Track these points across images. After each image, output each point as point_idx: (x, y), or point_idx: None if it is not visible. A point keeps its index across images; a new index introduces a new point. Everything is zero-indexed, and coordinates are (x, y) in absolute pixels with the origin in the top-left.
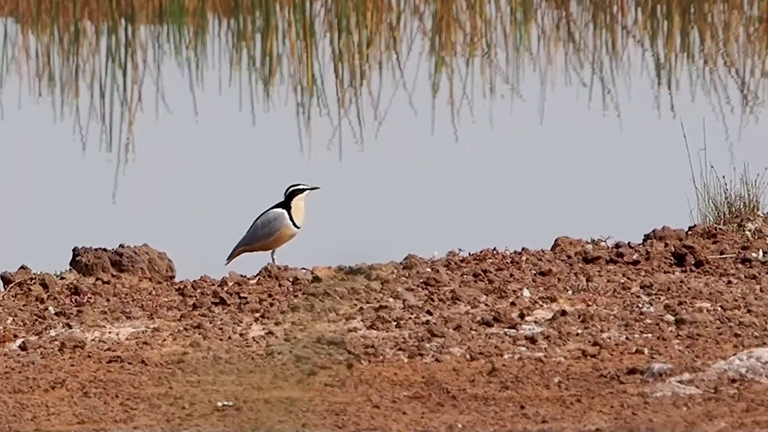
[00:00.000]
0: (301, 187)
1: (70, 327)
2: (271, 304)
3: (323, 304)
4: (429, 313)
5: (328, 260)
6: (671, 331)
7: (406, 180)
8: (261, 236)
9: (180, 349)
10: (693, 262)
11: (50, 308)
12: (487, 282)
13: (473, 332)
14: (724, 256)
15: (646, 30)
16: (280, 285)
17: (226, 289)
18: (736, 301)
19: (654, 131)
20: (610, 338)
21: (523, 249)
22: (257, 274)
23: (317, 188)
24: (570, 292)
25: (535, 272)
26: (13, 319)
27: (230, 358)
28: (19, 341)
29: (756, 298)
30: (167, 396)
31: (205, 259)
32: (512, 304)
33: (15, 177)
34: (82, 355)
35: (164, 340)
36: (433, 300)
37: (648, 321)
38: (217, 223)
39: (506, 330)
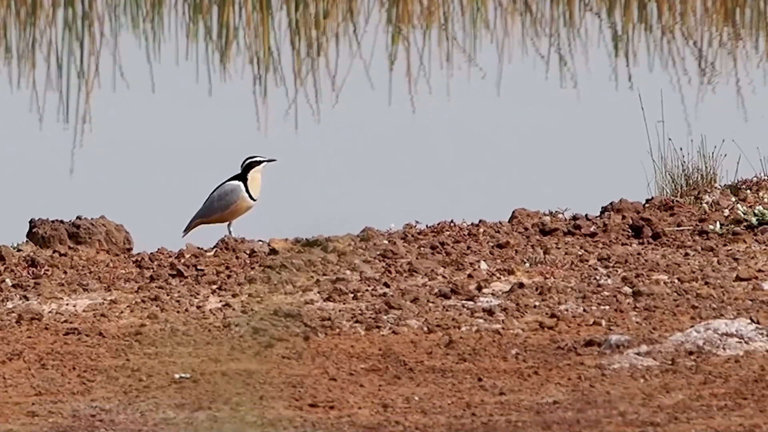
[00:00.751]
0: (257, 159)
1: (27, 299)
2: (228, 276)
3: (280, 276)
4: (386, 285)
5: (285, 232)
6: (629, 303)
7: (363, 152)
8: (217, 208)
9: (137, 321)
10: (650, 235)
11: (7, 280)
12: (444, 254)
13: (430, 304)
14: (681, 228)
15: (604, 1)
16: (237, 257)
17: (183, 261)
18: (694, 273)
19: (611, 103)
20: (567, 310)
21: (480, 221)
22: (214, 247)
23: (274, 160)
24: (527, 264)
25: (492, 244)
26: None
27: (187, 331)
28: None
29: (713, 270)
30: (124, 368)
31: (162, 231)
32: (469, 276)
33: None
34: (39, 327)
35: (121, 312)
36: (390, 272)
37: (605, 293)
38: (174, 195)
39: (464, 302)
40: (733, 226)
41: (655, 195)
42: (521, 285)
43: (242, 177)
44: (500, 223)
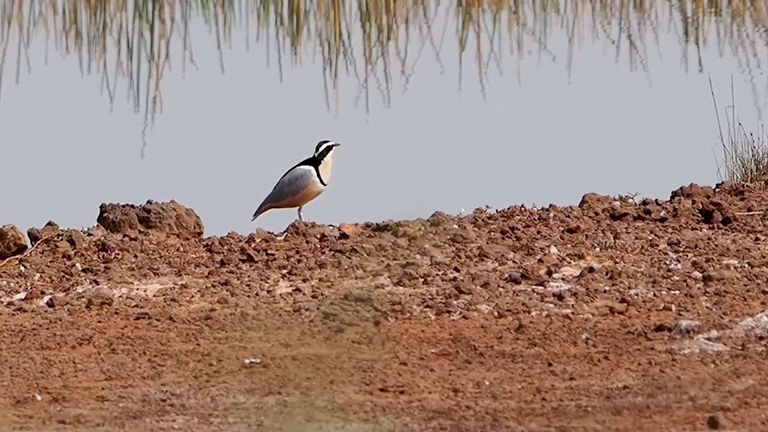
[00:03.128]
0: (330, 143)
1: (97, 284)
2: (299, 261)
3: (350, 261)
4: (456, 270)
5: (356, 217)
6: (699, 288)
7: (433, 136)
8: (288, 193)
9: (207, 306)
10: (720, 219)
11: (77, 265)
12: (514, 239)
13: (501, 289)
14: (751, 212)
15: None
16: (307, 242)
17: (253, 245)
18: (764, 257)
19: (681, 88)
20: (637, 295)
21: (550, 206)
22: (284, 231)
23: (338, 144)
24: (597, 248)
25: (562, 229)
26: (41, 276)
27: (258, 315)
28: (46, 298)
29: None
30: (195, 353)
31: (233, 215)
32: (540, 261)
33: (42, 133)
34: (110, 312)
35: (192, 296)
36: (460, 257)
37: (675, 278)
38: (245, 179)
39: (534, 287)
40: None
41: (725, 180)
42: (591, 270)
43: (314, 161)
44: (570, 207)
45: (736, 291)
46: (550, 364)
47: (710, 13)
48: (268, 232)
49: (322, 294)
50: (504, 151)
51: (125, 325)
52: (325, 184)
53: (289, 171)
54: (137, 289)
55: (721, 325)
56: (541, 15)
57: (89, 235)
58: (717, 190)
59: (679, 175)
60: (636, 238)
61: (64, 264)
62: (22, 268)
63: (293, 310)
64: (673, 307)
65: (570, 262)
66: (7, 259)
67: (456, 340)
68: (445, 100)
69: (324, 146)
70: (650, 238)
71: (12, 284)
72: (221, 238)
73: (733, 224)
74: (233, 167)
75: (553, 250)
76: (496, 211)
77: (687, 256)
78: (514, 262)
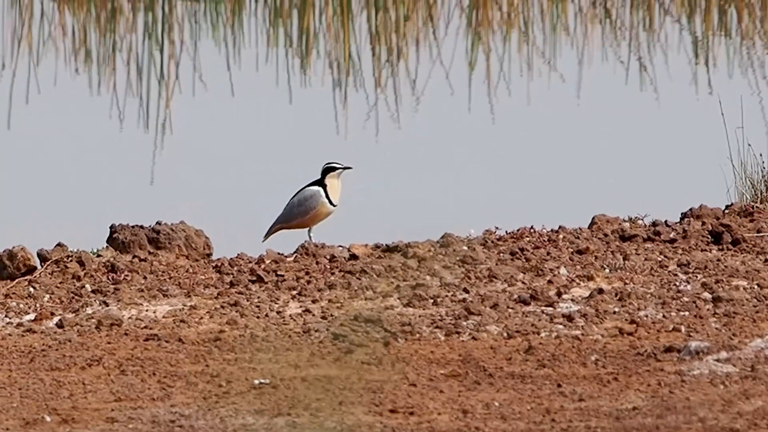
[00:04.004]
0: (334, 165)
1: (106, 305)
2: (308, 282)
3: (360, 282)
4: (466, 291)
5: (365, 238)
6: (708, 309)
7: (443, 158)
8: (297, 214)
9: (217, 327)
10: (730, 240)
11: (87, 286)
12: (524, 260)
13: (510, 310)
14: (761, 234)
15: (684, 7)
16: (317, 263)
17: (263, 266)
18: None
19: (691, 109)
20: (647, 316)
21: (560, 227)
22: (294, 252)
23: (350, 168)
24: (607, 270)
25: (572, 250)
26: (50, 297)
27: (267, 336)
28: (55, 319)
29: None
30: (204, 374)
31: (242, 236)
32: (549, 282)
33: (51, 153)
34: (119, 333)
35: (201, 318)
36: (469, 278)
37: (685, 299)
38: (254, 200)
39: (543, 308)
40: None
41: (734, 201)
42: (601, 291)
43: (322, 183)
44: (580, 229)
45: (746, 312)
46: (559, 385)
47: (720, 34)
48: (278, 253)
49: (331, 315)
50: (513, 171)
51: (135, 346)
52: (334, 205)
53: (298, 192)
54: (146, 310)
55: (730, 346)
56: (551, 36)
57: (98, 256)
58: (726, 211)
59: (688, 197)
60: (645, 259)
61: (74, 285)
62: (32, 289)
63: (303, 331)
64: (683, 329)
65: (579, 284)
66: (17, 281)
67: (465, 361)
68: (454, 120)
69: (326, 167)
70: (660, 259)
71: (21, 305)
72: (231, 259)
73: (742, 245)
74: (243, 188)
75: (563, 271)
76: (506, 232)
77: (696, 277)
78: (523, 283)
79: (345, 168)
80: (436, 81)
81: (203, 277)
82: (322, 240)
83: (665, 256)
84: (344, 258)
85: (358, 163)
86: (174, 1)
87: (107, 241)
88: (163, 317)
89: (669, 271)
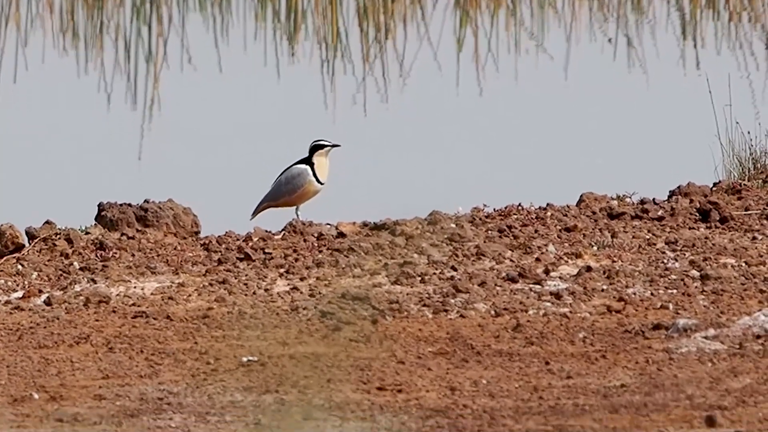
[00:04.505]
0: (322, 142)
1: (95, 282)
2: (296, 260)
3: (348, 259)
4: (454, 268)
5: (353, 216)
6: (696, 287)
7: (431, 135)
8: (285, 192)
9: (205, 305)
10: (718, 218)
11: (75, 263)
12: (512, 238)
13: (498, 288)
14: (749, 212)
15: None
16: (304, 240)
17: (251, 244)
18: (761, 256)
19: (679, 87)
20: (635, 294)
21: (548, 205)
22: (282, 230)
23: (338, 146)
24: (595, 247)
25: (560, 228)
26: (38, 274)
27: (255, 314)
28: (44, 296)
29: None
30: (192, 351)
31: (230, 214)
32: (537, 259)
33: (40, 132)
34: (107, 311)
35: (189, 295)
36: (457, 256)
37: (673, 277)
38: (242, 178)
39: (531, 286)
40: None
41: (722, 178)
42: (589, 269)
43: (309, 161)
44: (568, 206)
45: (734, 290)
46: (547, 363)
47: (708, 12)
48: (266, 231)
49: (319, 293)
50: (501, 150)
51: (123, 323)
52: (322, 183)
53: (285, 170)
54: (135, 287)
55: (718, 323)
56: (539, 14)
57: (87, 233)
58: (714, 189)
59: (676, 174)
60: (633, 237)
61: (62, 262)
62: (20, 266)
63: (291, 308)
64: (671, 306)
65: (567, 261)
66: (5, 258)
67: (453, 339)
68: (442, 99)
69: (313, 145)
70: (648, 237)
71: (9, 283)
72: (219, 236)
73: (730, 223)
74: (231, 166)
75: (551, 249)
76: (494, 210)
77: (684, 255)
78: (511, 260)
79: (333, 146)
80: (424, 59)
81: (191, 254)
82: (309, 218)
83: (653, 234)
84: (332, 236)
85: (346, 141)
86: None
87: (95, 219)
88: (151, 295)
89: (657, 249)
